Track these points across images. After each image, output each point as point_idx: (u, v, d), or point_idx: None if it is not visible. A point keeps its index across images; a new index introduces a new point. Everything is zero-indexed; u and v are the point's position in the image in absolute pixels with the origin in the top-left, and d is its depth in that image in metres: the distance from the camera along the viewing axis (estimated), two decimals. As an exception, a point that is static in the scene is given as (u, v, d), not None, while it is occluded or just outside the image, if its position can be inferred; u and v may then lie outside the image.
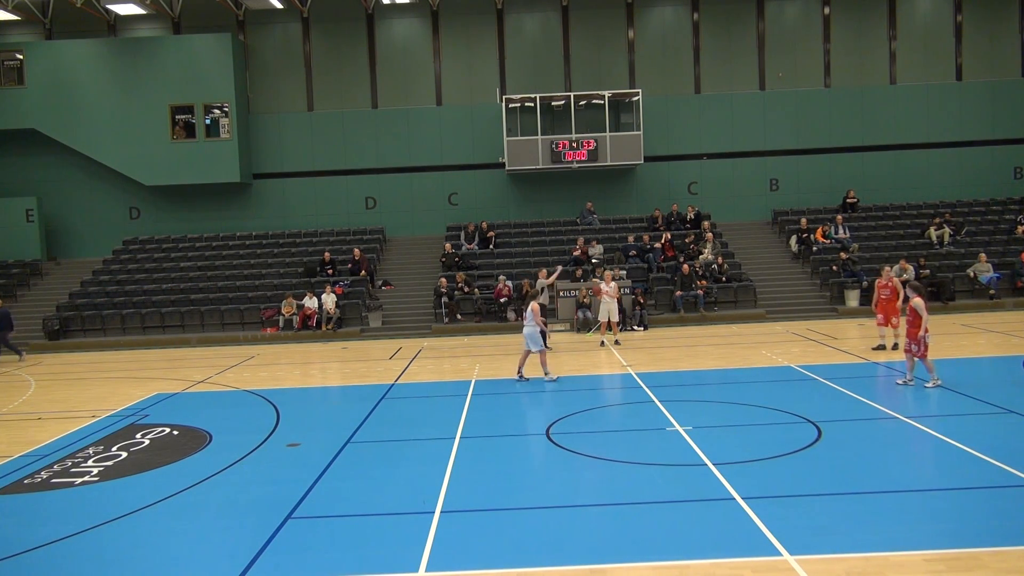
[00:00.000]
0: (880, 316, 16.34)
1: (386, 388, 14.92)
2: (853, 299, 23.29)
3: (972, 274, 23.78)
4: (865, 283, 23.28)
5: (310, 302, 23.72)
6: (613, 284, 19.26)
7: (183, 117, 27.98)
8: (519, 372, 14.94)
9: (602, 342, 19.40)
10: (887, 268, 17.35)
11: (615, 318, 19.20)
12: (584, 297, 22.46)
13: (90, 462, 10.45)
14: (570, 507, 8.08)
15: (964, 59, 28.85)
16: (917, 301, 12.67)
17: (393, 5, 28.75)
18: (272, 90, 29.23)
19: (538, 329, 14.71)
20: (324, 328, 23.39)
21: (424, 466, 9.56)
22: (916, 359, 12.75)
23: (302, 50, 29.09)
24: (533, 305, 14.79)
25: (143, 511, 8.43)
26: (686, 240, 26.10)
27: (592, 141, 27.05)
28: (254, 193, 29.11)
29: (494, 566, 6.65)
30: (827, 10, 28.83)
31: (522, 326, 15.01)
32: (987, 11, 28.72)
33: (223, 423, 12.54)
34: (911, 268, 23.35)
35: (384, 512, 8.12)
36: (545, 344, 19.14)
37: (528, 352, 14.76)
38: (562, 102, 27.64)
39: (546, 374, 14.77)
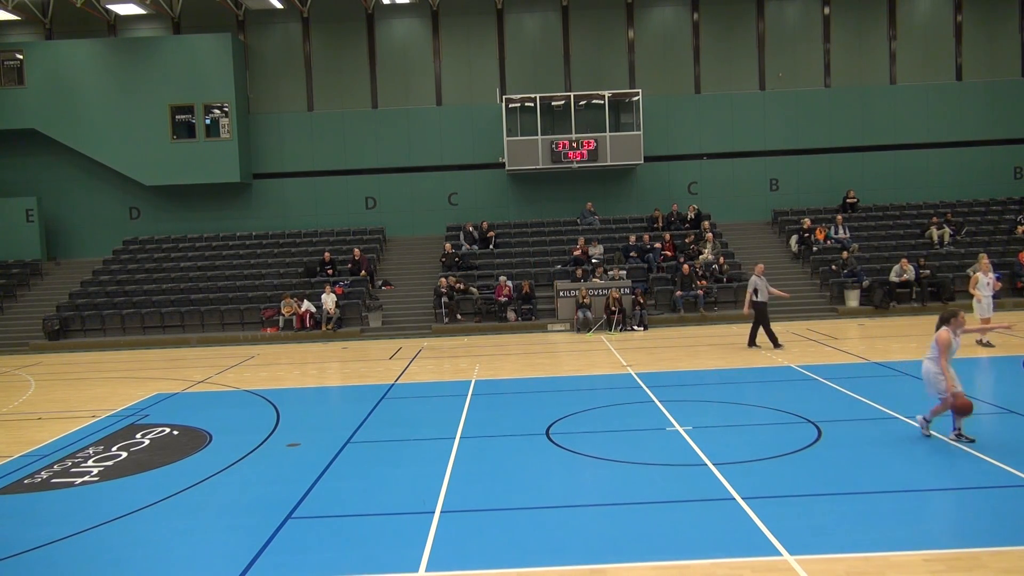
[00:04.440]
0: None
1: (386, 388, 14.93)
2: (853, 299, 23.29)
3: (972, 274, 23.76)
4: (865, 283, 23.30)
5: (306, 304, 23.76)
6: (991, 275, 16.75)
7: (183, 117, 27.97)
8: (955, 430, 9.60)
9: (984, 342, 16.73)
10: None
11: (990, 313, 16.67)
12: (584, 297, 22.45)
13: (90, 462, 10.45)
14: (570, 507, 8.08)
15: (964, 59, 28.84)
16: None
17: (393, 5, 28.74)
18: (272, 90, 29.22)
19: (941, 368, 9.40)
20: (324, 328, 23.39)
21: (424, 466, 9.55)
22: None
23: (302, 50, 29.08)
24: (940, 334, 9.45)
25: (143, 511, 8.42)
26: (686, 240, 26.10)
27: (592, 141, 27.05)
28: (254, 193, 29.11)
29: (494, 566, 6.65)
30: (827, 10, 28.83)
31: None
32: (987, 11, 28.72)
33: (223, 423, 12.53)
34: (911, 268, 23.39)
35: (384, 512, 8.11)
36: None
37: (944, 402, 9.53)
38: (562, 102, 27.63)
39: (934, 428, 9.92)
